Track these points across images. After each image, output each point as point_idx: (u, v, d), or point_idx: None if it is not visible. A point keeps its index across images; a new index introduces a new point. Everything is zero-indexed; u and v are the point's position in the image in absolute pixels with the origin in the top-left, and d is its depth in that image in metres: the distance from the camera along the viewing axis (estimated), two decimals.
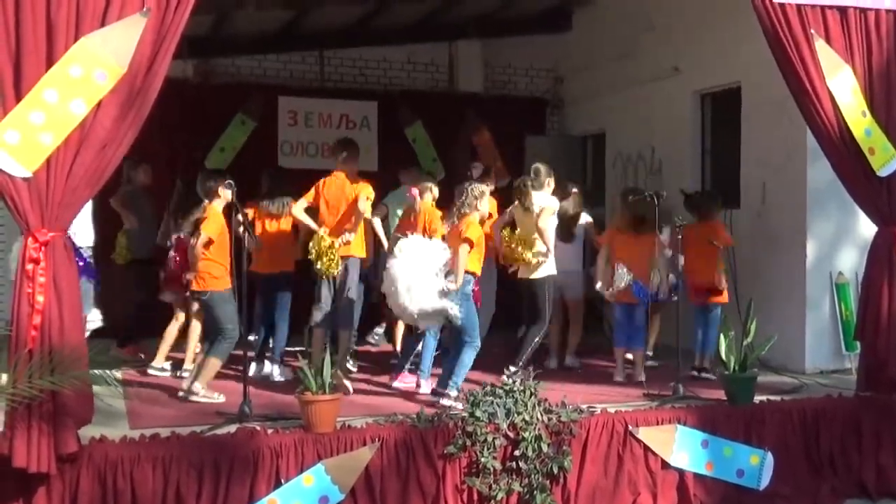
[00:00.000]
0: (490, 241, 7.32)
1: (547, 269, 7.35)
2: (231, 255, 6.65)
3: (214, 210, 6.75)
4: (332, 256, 6.92)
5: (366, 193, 7.00)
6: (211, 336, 6.83)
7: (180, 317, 7.91)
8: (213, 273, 6.68)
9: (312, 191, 7.18)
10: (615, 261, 7.58)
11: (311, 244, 7.04)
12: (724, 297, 7.66)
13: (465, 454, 5.43)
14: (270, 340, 7.87)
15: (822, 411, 6.28)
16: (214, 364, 6.68)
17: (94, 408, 4.93)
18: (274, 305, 7.76)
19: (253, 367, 7.51)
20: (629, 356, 7.74)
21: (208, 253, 6.64)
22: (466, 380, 6.59)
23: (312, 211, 7.18)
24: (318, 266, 6.95)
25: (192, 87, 10.19)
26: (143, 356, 8.00)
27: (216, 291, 6.68)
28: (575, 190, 8.39)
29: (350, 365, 7.73)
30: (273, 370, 7.62)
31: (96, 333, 8.96)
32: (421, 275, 6.29)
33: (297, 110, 10.86)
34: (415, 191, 7.56)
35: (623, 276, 7.43)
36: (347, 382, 6.86)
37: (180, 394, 6.70)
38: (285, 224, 7.68)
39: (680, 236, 7.03)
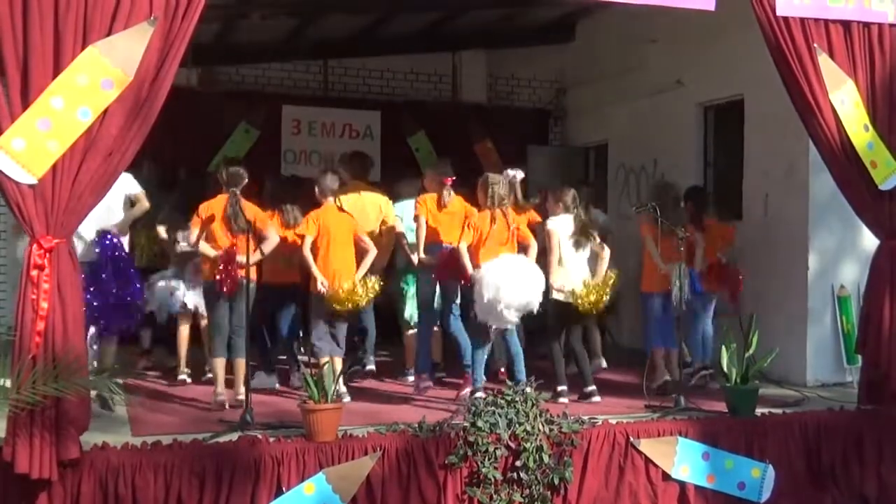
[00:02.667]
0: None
1: None
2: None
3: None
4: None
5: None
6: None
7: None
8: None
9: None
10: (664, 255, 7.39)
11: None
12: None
13: (466, 464, 5.42)
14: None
15: (823, 424, 6.27)
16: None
17: (91, 414, 4.94)
18: (278, 315, 7.71)
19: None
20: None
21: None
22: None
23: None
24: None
25: (196, 95, 10.21)
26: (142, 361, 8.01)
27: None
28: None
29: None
30: (267, 378, 7.43)
31: None
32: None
33: (300, 119, 10.94)
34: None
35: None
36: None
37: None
38: (292, 235, 7.60)
39: (682, 248, 7.03)
